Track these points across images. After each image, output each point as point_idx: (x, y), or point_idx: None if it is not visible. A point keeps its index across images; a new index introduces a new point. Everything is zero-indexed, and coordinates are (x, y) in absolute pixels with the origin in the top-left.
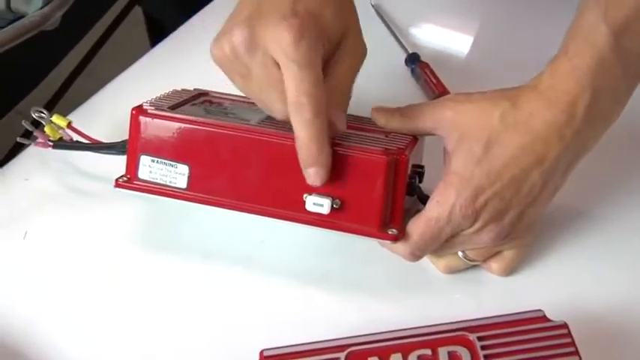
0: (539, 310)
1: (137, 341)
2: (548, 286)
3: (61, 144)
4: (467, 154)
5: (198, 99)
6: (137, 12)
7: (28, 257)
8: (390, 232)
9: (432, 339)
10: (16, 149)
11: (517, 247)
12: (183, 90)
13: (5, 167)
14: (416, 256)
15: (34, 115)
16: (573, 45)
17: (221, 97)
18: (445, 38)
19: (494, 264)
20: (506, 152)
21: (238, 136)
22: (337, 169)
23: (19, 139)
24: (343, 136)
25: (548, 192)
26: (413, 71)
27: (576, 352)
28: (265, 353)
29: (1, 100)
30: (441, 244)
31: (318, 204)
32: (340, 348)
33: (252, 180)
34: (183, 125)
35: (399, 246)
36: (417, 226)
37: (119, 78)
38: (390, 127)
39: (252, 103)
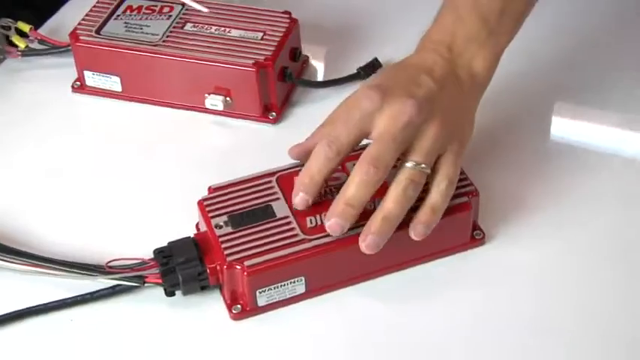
0: None
1: (103, 217)
2: None
3: (28, 51)
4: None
5: (119, 7)
6: None
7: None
8: (270, 116)
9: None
10: None
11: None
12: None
13: None
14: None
15: (1, 24)
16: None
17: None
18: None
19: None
20: (400, 67)
21: (147, 57)
22: (228, 75)
23: None
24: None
25: (449, 100)
26: None
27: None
28: (212, 187)
29: None
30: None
31: (214, 104)
32: (271, 174)
33: (167, 85)
34: (106, 49)
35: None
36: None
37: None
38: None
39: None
